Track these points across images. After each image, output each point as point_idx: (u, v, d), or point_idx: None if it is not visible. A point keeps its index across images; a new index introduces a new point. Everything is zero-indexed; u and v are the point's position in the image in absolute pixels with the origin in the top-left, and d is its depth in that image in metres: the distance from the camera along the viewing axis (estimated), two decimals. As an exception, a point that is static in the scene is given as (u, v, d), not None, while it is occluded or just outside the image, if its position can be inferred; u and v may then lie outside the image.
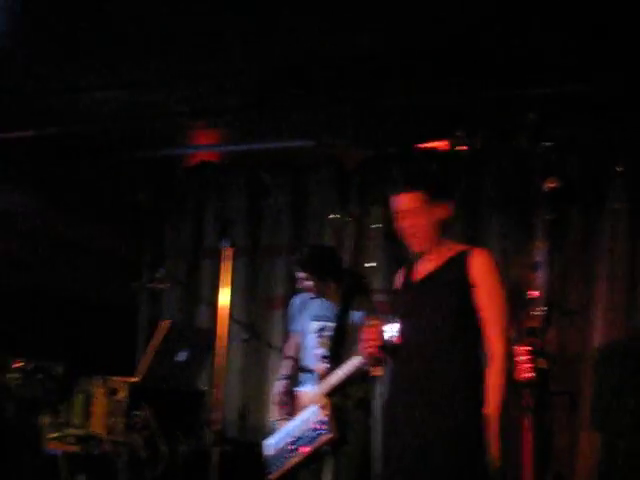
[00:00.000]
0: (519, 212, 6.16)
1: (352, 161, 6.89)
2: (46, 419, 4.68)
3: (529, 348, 4.59)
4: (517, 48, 4.79)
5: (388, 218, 6.31)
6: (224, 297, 4.51)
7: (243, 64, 5.28)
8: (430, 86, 5.29)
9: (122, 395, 4.56)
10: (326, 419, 5.27)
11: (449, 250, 3.84)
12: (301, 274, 5.59)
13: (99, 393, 4.65)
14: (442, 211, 3.82)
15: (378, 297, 6.22)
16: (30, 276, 7.22)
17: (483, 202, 6.32)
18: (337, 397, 5.41)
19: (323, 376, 5.40)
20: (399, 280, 4.09)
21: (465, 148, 5.99)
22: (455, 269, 3.76)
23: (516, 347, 4.92)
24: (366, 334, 3.81)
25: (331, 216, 6.80)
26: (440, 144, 6.12)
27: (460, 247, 3.86)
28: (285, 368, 5.80)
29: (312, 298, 5.73)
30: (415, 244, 3.81)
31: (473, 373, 3.74)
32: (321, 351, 5.62)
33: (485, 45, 4.81)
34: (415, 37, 4.78)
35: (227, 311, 4.49)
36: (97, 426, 4.63)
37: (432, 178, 3.99)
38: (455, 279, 3.74)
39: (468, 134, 5.92)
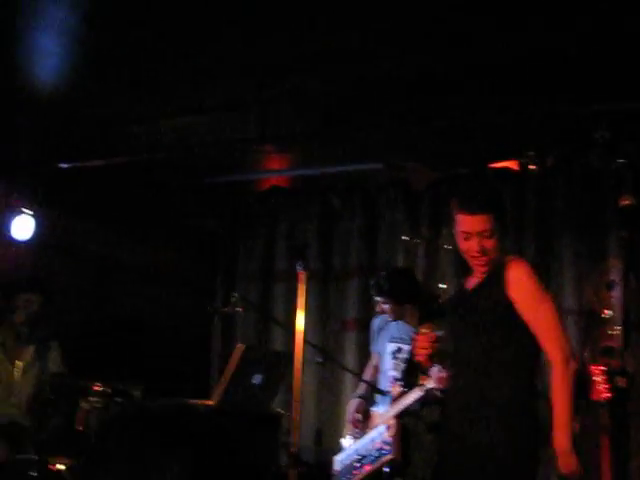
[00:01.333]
0: (593, 230, 6.09)
1: (422, 182, 6.88)
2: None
3: (604, 368, 4.56)
4: (586, 64, 4.75)
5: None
6: (299, 320, 4.52)
7: (312, 88, 5.32)
8: (499, 105, 5.27)
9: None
10: (390, 440, 5.27)
11: (496, 263, 3.79)
12: (379, 299, 5.61)
13: (177, 416, 4.68)
14: (503, 231, 3.80)
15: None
16: (107, 304, 7.34)
17: (556, 221, 6.25)
18: (407, 419, 5.42)
19: (396, 398, 5.40)
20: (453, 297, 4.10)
21: (535, 167, 5.98)
22: (494, 285, 3.71)
23: (591, 367, 4.89)
24: (418, 341, 3.81)
25: (403, 238, 6.80)
26: (510, 164, 6.11)
27: (499, 259, 3.78)
28: (361, 387, 5.82)
29: (390, 320, 5.74)
30: (484, 265, 3.76)
31: (524, 386, 3.72)
32: (395, 373, 5.63)
33: (554, 63, 4.78)
34: (483, 56, 4.77)
35: (302, 334, 4.51)
36: (175, 449, 4.66)
37: (500, 200, 3.98)
38: (494, 297, 3.70)
39: (538, 153, 5.91)
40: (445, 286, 6.51)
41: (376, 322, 5.95)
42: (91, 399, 4.50)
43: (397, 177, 6.87)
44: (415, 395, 5.27)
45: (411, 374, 5.63)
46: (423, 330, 3.81)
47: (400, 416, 5.38)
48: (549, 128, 5.64)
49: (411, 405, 5.33)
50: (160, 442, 1.10)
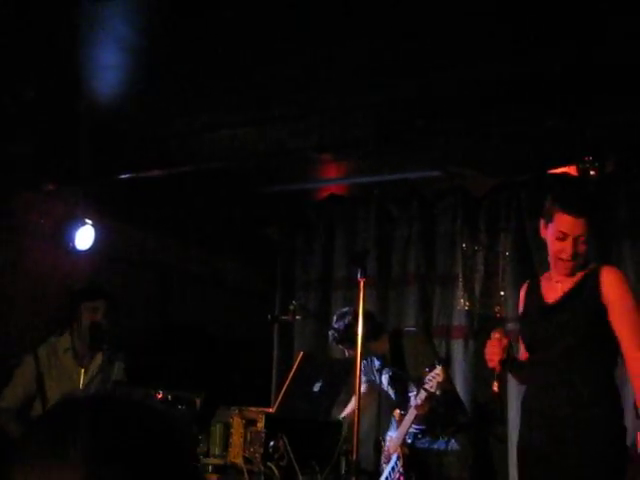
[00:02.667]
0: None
1: (480, 189, 6.85)
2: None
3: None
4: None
5: (518, 245, 6.32)
6: (359, 327, 4.53)
7: (369, 96, 5.33)
8: (557, 111, 5.23)
9: (260, 425, 4.63)
10: (402, 470, 5.33)
11: (580, 269, 3.82)
12: (340, 347, 5.65)
13: (237, 423, 4.73)
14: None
15: (510, 325, 6.18)
16: (168, 312, 7.42)
17: (616, 226, 6.18)
18: (431, 445, 5.47)
19: (399, 422, 5.45)
20: (524, 301, 4.07)
21: (595, 173, 5.92)
22: (587, 290, 3.74)
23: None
24: (490, 347, 3.80)
25: (462, 245, 6.77)
26: (570, 169, 6.06)
27: (589, 266, 3.84)
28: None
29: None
30: (569, 267, 3.80)
31: (611, 395, 3.70)
32: (395, 398, 5.70)
33: (612, 69, 4.74)
34: (541, 64, 4.75)
35: (361, 341, 4.52)
36: (235, 456, 4.70)
37: (596, 207, 4.02)
38: (588, 301, 3.71)
39: (598, 158, 5.85)
40: (504, 294, 6.48)
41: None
42: (153, 407, 4.54)
43: (455, 184, 6.85)
44: (408, 419, 5.30)
45: (402, 393, 5.66)
46: (496, 335, 3.80)
47: (404, 442, 5.43)
48: (609, 133, 5.59)
49: (408, 429, 5.37)
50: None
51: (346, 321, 5.63)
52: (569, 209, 3.75)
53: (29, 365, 5.30)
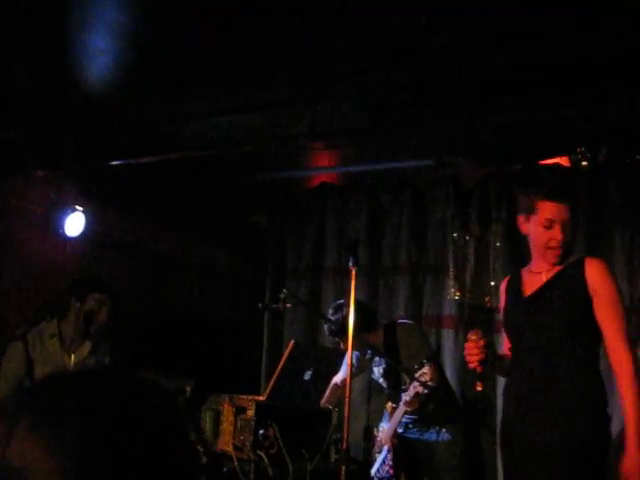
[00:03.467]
0: (645, 226, 6.03)
1: (471, 179, 6.85)
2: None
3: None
4: (634, 60, 4.70)
5: (509, 235, 6.32)
6: (350, 316, 4.52)
7: (361, 85, 5.31)
8: (550, 102, 5.23)
9: (250, 413, 4.63)
10: (391, 463, 5.34)
11: (561, 262, 3.82)
12: (336, 339, 5.63)
13: (227, 411, 4.72)
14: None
15: (500, 315, 6.18)
16: (159, 300, 7.41)
17: (607, 217, 6.19)
18: (427, 435, 5.47)
19: (391, 414, 5.47)
20: (505, 294, 4.06)
21: (587, 163, 5.93)
22: (570, 281, 3.74)
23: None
24: (467, 349, 3.80)
25: (453, 235, 6.77)
26: (562, 160, 6.06)
27: (572, 257, 3.84)
28: (329, 393, 5.86)
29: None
30: (558, 255, 3.79)
31: (594, 386, 3.71)
32: (388, 391, 5.71)
33: (604, 59, 4.74)
34: (535, 55, 4.74)
35: (352, 329, 4.51)
36: (225, 443, 4.70)
37: (573, 191, 4.04)
38: (571, 291, 3.72)
39: (590, 149, 5.85)
40: (494, 284, 6.48)
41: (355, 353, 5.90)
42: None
43: (447, 174, 6.84)
44: (398, 413, 5.31)
45: (394, 386, 5.67)
46: (472, 337, 3.80)
47: (395, 435, 5.44)
48: (600, 124, 5.58)
49: (399, 423, 5.38)
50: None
51: (343, 313, 5.62)
52: (553, 196, 3.77)
53: (17, 350, 5.28)
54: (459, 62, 4.91)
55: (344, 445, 4.33)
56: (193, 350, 6.90)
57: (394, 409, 5.44)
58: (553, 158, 6.09)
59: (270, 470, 4.56)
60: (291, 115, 5.79)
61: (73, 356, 5.22)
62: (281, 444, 4.59)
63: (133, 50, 4.96)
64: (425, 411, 5.44)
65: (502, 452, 4.04)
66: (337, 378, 5.73)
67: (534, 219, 3.80)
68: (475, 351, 3.76)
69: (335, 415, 5.02)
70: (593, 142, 5.89)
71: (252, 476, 4.59)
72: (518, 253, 6.28)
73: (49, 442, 1.00)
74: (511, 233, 6.36)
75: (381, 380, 5.80)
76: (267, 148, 6.40)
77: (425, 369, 5.05)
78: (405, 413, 5.31)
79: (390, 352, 5.64)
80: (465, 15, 4.33)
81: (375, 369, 5.80)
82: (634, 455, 3.53)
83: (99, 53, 5.02)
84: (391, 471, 5.38)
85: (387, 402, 5.65)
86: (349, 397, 4.38)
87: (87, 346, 5.50)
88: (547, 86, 5.04)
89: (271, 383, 4.86)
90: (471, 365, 3.80)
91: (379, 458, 5.51)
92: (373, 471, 5.49)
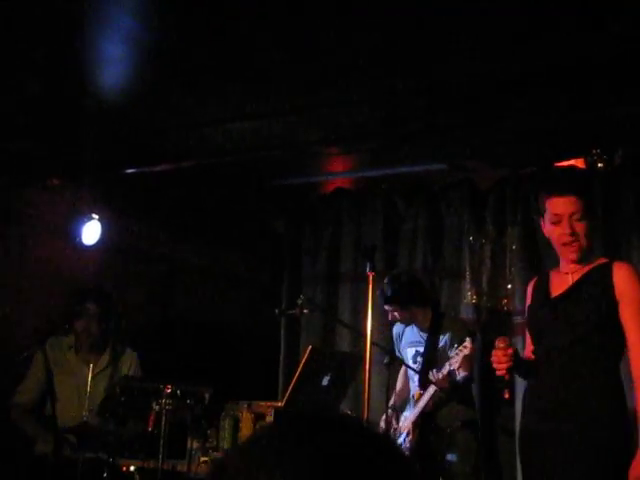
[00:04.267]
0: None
1: (486, 182, 6.84)
2: (195, 443, 4.78)
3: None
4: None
5: (525, 238, 6.31)
6: (368, 321, 4.53)
7: (374, 89, 5.31)
8: (565, 104, 5.21)
9: (269, 420, 4.63)
10: (408, 446, 5.34)
11: (589, 262, 3.81)
12: (387, 307, 5.64)
13: (246, 418, 4.73)
14: (594, 220, 3.88)
15: (517, 318, 6.17)
16: (175, 307, 7.42)
17: (624, 219, 6.16)
18: (444, 420, 5.43)
19: (416, 401, 5.46)
20: (532, 294, 4.06)
21: (603, 165, 5.91)
22: (598, 283, 3.73)
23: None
24: (496, 357, 3.79)
25: (469, 238, 6.76)
26: (577, 162, 6.04)
27: (600, 259, 3.84)
28: (393, 397, 5.83)
29: (406, 326, 5.79)
30: (574, 251, 3.79)
31: (617, 389, 3.70)
32: (417, 376, 5.66)
33: (620, 61, 4.72)
34: (546, 55, 4.73)
35: (370, 335, 4.51)
36: (244, 450, 4.68)
37: (586, 185, 4.02)
38: (599, 293, 3.71)
39: (605, 151, 5.83)
40: (510, 287, 6.47)
41: (394, 329, 5.97)
42: (162, 401, 4.55)
43: (462, 177, 6.84)
44: (423, 401, 5.31)
45: (425, 375, 5.64)
46: (500, 345, 3.79)
47: (416, 422, 5.43)
48: (617, 126, 5.56)
49: (425, 408, 5.37)
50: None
51: (402, 280, 5.67)
52: (555, 190, 3.79)
53: (39, 361, 5.32)
54: (473, 66, 4.90)
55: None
56: (211, 357, 6.90)
57: (421, 395, 5.44)
58: (569, 160, 6.07)
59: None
60: (305, 121, 5.79)
61: (92, 367, 5.24)
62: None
63: (147, 58, 4.97)
64: (453, 395, 5.43)
65: (523, 451, 4.02)
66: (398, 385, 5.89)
67: (546, 218, 3.81)
68: (504, 359, 3.75)
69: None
70: (609, 144, 5.87)
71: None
72: (534, 256, 6.27)
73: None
74: (527, 236, 6.35)
75: (413, 363, 5.77)
76: (282, 154, 6.40)
77: (466, 342, 5.08)
78: (433, 395, 5.29)
79: (434, 336, 5.69)
80: (478, 18, 4.32)
81: (408, 350, 5.80)
82: None
83: (113, 61, 5.03)
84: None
85: (416, 391, 5.62)
86: (368, 400, 4.38)
87: (105, 357, 5.53)
88: (562, 88, 5.02)
89: (289, 389, 4.85)
90: (500, 372, 3.80)
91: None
92: None
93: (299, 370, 4.78)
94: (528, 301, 4.10)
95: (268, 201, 7.60)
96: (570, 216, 3.74)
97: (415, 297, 5.73)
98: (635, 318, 3.67)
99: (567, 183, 3.86)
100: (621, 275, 3.71)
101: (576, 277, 3.82)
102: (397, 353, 5.94)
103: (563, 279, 3.87)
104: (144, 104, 5.64)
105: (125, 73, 5.28)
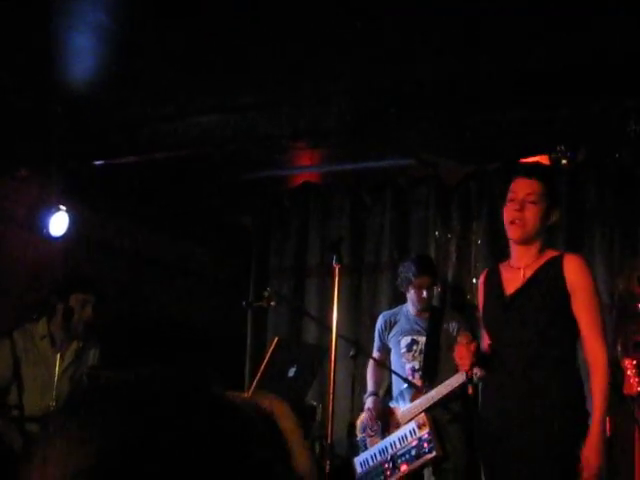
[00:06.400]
0: (624, 225, 6.09)
1: (453, 178, 6.89)
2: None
3: (636, 362, 4.58)
4: (618, 59, 4.75)
5: (490, 233, 6.38)
6: (334, 313, 4.56)
7: (343, 85, 5.35)
8: (529, 101, 5.28)
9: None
10: (427, 437, 5.26)
11: (542, 256, 3.84)
12: (422, 280, 5.65)
13: (212, 408, 4.74)
14: (552, 213, 3.85)
15: (479, 313, 6.24)
16: (141, 299, 7.41)
17: (587, 215, 6.25)
18: (435, 413, 5.43)
19: (417, 391, 5.42)
20: (484, 290, 4.08)
21: (567, 162, 5.98)
22: (549, 278, 3.76)
23: (624, 361, 4.90)
24: (458, 352, 3.83)
25: (435, 233, 6.82)
26: (541, 158, 6.11)
27: (551, 252, 3.86)
28: (371, 384, 5.84)
29: (396, 314, 5.82)
30: (517, 229, 3.80)
31: (573, 382, 3.75)
32: (412, 365, 5.66)
33: (585, 58, 4.79)
34: (514, 55, 4.79)
35: (336, 327, 4.55)
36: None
37: (551, 176, 4.06)
38: (551, 289, 3.75)
39: (570, 148, 5.91)
40: (475, 281, 6.53)
41: (382, 319, 6.00)
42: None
43: (428, 173, 6.89)
44: (444, 389, 5.29)
45: (430, 365, 5.68)
46: (463, 341, 3.83)
47: (429, 411, 5.39)
48: (580, 123, 5.63)
49: (440, 399, 5.35)
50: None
51: (412, 270, 5.80)
52: (518, 173, 3.86)
53: (4, 349, 5.29)
54: (439, 63, 4.95)
55: (329, 440, 4.36)
56: (178, 349, 6.91)
57: (422, 387, 5.43)
58: (533, 156, 6.14)
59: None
60: (273, 115, 5.81)
61: (60, 357, 5.23)
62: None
63: (116, 51, 4.98)
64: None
65: (482, 451, 4.07)
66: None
67: (506, 201, 3.87)
68: (466, 355, 3.79)
69: (319, 411, 5.05)
70: (572, 141, 5.94)
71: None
72: (499, 251, 6.33)
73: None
74: (492, 231, 6.42)
75: (407, 352, 5.80)
76: (250, 148, 6.42)
77: None
78: (461, 384, 5.28)
79: (437, 324, 5.77)
80: (446, 17, 4.38)
81: (403, 338, 5.82)
82: (596, 441, 3.59)
83: (82, 53, 5.03)
84: (424, 445, 5.28)
85: (416, 379, 5.61)
86: (333, 392, 4.41)
87: (73, 346, 5.52)
88: (527, 86, 5.09)
89: (255, 380, 4.88)
90: (463, 369, 3.83)
91: (393, 436, 5.46)
92: (375, 450, 5.47)
93: (265, 361, 4.80)
94: (481, 297, 4.11)
95: (236, 195, 7.61)
96: (524, 196, 3.78)
97: (428, 270, 5.85)
98: (587, 309, 3.71)
99: (530, 168, 4.07)
100: (571, 267, 3.74)
101: (528, 273, 3.83)
102: (378, 343, 5.96)
103: (515, 275, 3.88)
104: (112, 96, 5.65)
105: (94, 65, 5.29)
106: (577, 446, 3.66)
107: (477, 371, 3.93)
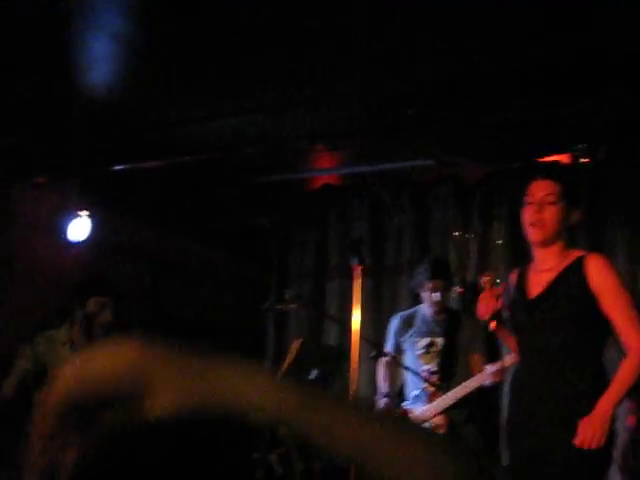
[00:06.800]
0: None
1: (473, 177, 6.88)
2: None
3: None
4: (634, 54, 4.72)
5: (510, 233, 6.35)
6: (355, 315, 4.54)
7: (361, 86, 5.34)
8: (550, 99, 5.25)
9: (257, 413, 4.64)
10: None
11: (564, 258, 3.79)
12: (435, 283, 5.64)
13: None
14: (571, 213, 3.81)
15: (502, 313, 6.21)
16: (163, 303, 7.42)
17: (608, 213, 6.22)
18: (450, 413, 5.43)
19: (434, 392, 5.41)
20: (514, 290, 4.06)
21: (587, 161, 5.95)
22: (574, 280, 3.72)
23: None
24: (482, 299, 3.86)
25: (455, 233, 6.80)
26: (562, 157, 6.09)
27: (575, 253, 3.81)
28: (384, 386, 5.83)
29: (412, 316, 5.80)
30: (537, 232, 3.77)
31: (599, 384, 3.71)
32: (429, 367, 5.65)
33: (605, 55, 4.76)
34: (532, 52, 4.76)
35: (359, 329, 4.53)
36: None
37: (569, 176, 4.03)
38: (576, 292, 3.70)
39: (590, 146, 5.88)
40: (499, 281, 6.50)
41: (399, 320, 5.97)
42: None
43: (448, 173, 6.88)
44: (460, 391, 5.29)
45: (447, 368, 5.65)
46: (485, 278, 3.83)
47: (445, 412, 5.40)
48: (601, 120, 5.60)
49: (457, 402, 5.36)
50: None
51: (424, 270, 5.77)
52: (536, 175, 3.83)
53: (26, 356, 5.32)
54: (458, 62, 4.93)
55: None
56: (198, 352, 6.91)
57: (439, 388, 5.42)
58: (554, 155, 6.12)
59: (278, 469, 4.58)
60: (292, 117, 5.81)
61: None
62: (289, 444, 4.61)
63: (135, 55, 4.98)
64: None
65: (509, 448, 4.04)
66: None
67: (525, 204, 3.85)
68: (491, 301, 3.85)
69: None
70: (593, 139, 5.91)
71: (261, 475, 4.61)
72: (519, 251, 6.31)
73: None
74: (512, 231, 6.39)
75: (426, 353, 5.78)
76: (269, 151, 6.43)
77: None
78: (480, 386, 5.28)
79: (455, 325, 5.76)
80: (462, 15, 4.36)
81: (420, 340, 5.81)
82: (597, 414, 3.56)
83: (101, 59, 5.04)
84: None
85: (430, 380, 5.60)
86: (356, 394, 4.40)
87: None
88: (547, 84, 5.06)
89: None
90: (484, 317, 3.86)
91: None
92: None
93: (287, 363, 4.81)
94: (508, 297, 4.09)
95: (256, 198, 7.62)
96: (543, 198, 3.75)
97: (444, 275, 5.82)
98: (617, 307, 3.66)
99: (547, 169, 3.93)
100: (594, 268, 3.70)
101: (551, 276, 3.80)
102: (393, 343, 5.94)
103: (539, 278, 3.85)
104: (131, 101, 5.65)
105: (112, 71, 5.29)
106: (605, 447, 3.63)
107: (493, 325, 3.92)
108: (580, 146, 5.89)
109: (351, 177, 7.34)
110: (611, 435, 3.64)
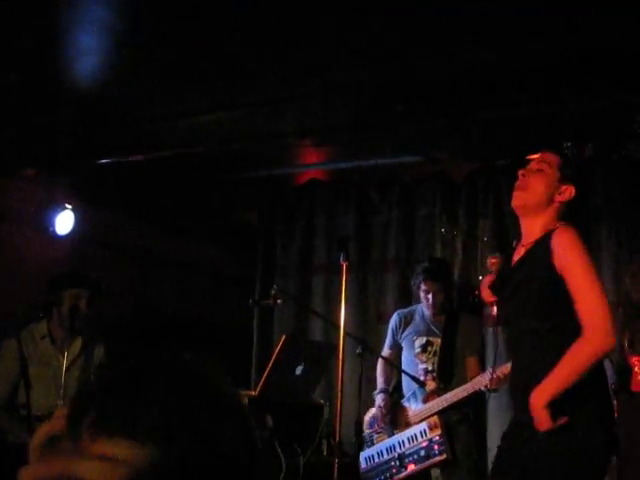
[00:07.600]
0: (631, 221, 6.07)
1: (459, 174, 6.88)
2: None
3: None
4: (625, 54, 4.74)
5: (497, 230, 6.37)
6: (341, 311, 4.55)
7: (349, 82, 5.33)
8: (536, 97, 5.26)
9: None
10: (438, 439, 5.27)
11: (541, 231, 3.55)
12: (428, 285, 5.65)
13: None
14: (563, 188, 3.59)
15: (488, 310, 6.22)
16: (147, 298, 7.42)
17: (593, 211, 6.23)
18: (446, 415, 5.43)
19: (431, 392, 5.42)
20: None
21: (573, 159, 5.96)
22: (540, 253, 3.47)
23: (631, 358, 4.88)
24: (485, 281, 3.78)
25: (441, 230, 6.81)
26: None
27: (550, 227, 3.53)
28: (382, 382, 5.83)
29: (411, 314, 5.81)
30: (519, 198, 3.58)
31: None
32: (425, 366, 5.66)
33: (592, 54, 4.77)
34: (521, 50, 4.77)
35: (343, 325, 4.54)
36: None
37: (568, 156, 3.95)
38: (540, 266, 3.45)
39: (576, 144, 5.89)
40: (480, 278, 6.51)
41: (397, 317, 5.98)
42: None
43: (435, 169, 6.88)
44: (457, 394, 5.29)
45: (445, 368, 5.66)
46: (492, 260, 3.74)
47: (441, 413, 5.39)
48: (587, 118, 5.62)
49: (453, 404, 5.34)
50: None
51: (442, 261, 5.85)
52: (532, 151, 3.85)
53: (11, 349, 5.28)
54: (446, 59, 4.94)
55: (337, 438, 4.36)
56: (183, 347, 6.91)
57: (436, 388, 5.43)
58: (540, 153, 6.12)
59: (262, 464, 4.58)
60: (278, 112, 5.80)
61: (66, 355, 5.23)
62: (273, 439, 4.61)
63: (122, 49, 4.97)
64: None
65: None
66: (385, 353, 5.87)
67: None
68: (495, 262, 3.74)
69: (326, 410, 5.05)
70: (579, 137, 5.93)
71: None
72: (505, 247, 6.32)
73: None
74: (498, 228, 6.41)
75: (422, 352, 5.78)
76: (255, 145, 6.42)
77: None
78: (477, 390, 5.26)
79: (453, 327, 5.76)
80: (450, 14, 4.36)
81: (417, 339, 5.81)
82: (536, 402, 3.33)
83: (88, 52, 5.02)
84: (435, 447, 5.29)
85: (428, 380, 5.60)
86: (341, 390, 4.41)
87: (77, 344, 5.52)
88: (533, 82, 5.07)
89: (263, 378, 4.88)
90: (489, 300, 3.77)
91: (402, 435, 5.45)
92: (381, 447, 5.46)
93: (274, 358, 4.81)
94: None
95: (242, 193, 7.61)
96: (534, 165, 3.65)
97: (450, 283, 5.85)
98: (577, 282, 3.36)
99: (548, 146, 3.76)
100: (560, 242, 3.41)
101: (527, 248, 3.57)
102: (391, 340, 5.95)
103: (520, 252, 3.64)
104: (118, 95, 5.64)
105: (99, 64, 5.27)
106: (584, 433, 3.41)
107: (495, 310, 3.84)
108: (566, 144, 5.91)
109: (338, 173, 7.34)
110: (612, 438, 3.48)
